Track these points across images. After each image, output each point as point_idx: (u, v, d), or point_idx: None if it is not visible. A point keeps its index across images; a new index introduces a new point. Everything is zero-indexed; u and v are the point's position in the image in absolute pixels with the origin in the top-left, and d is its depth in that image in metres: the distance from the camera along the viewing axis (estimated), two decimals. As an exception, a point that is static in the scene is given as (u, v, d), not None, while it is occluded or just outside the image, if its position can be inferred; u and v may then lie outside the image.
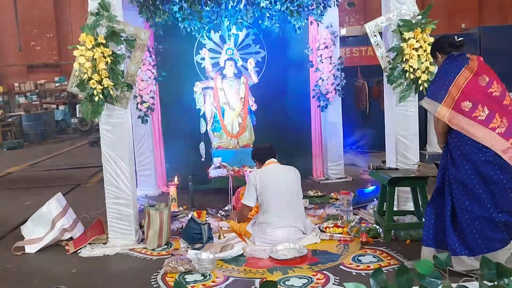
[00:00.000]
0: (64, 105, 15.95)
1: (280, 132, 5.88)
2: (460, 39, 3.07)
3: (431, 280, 1.08)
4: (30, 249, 3.66)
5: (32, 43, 16.12)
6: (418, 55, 4.00)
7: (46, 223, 3.75)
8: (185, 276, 3.05)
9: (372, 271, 2.95)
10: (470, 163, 2.78)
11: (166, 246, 3.68)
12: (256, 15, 5.10)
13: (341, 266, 3.16)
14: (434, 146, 5.68)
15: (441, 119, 2.83)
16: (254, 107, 5.55)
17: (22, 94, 16.16)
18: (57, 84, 15.94)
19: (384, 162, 6.75)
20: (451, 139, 2.88)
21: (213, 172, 5.11)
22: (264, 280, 1.56)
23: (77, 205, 4.95)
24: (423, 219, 3.10)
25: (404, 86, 4.10)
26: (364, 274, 3.02)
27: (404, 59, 4.02)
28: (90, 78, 3.45)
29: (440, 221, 2.93)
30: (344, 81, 5.93)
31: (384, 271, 3.01)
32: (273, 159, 3.80)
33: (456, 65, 2.84)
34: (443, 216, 2.92)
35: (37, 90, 16.09)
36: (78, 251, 3.62)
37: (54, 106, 15.97)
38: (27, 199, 5.58)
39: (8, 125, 12.59)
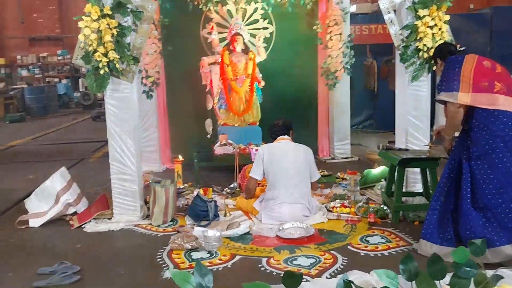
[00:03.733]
0: (66, 79, 15.79)
1: (287, 110, 5.75)
2: (462, 48, 3.21)
3: (467, 270, 1.02)
4: (34, 223, 3.63)
5: (34, 15, 15.85)
6: (433, 34, 3.87)
7: (50, 198, 3.72)
8: (191, 253, 3.03)
9: (380, 252, 2.98)
10: (499, 139, 2.75)
11: (171, 223, 3.65)
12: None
13: (349, 247, 3.13)
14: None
15: (464, 103, 2.81)
16: (261, 84, 5.44)
17: (25, 67, 15.98)
18: (59, 58, 15.74)
19: (391, 142, 6.70)
20: (474, 123, 2.83)
21: (218, 150, 5.05)
22: (287, 271, 1.54)
23: (81, 180, 4.91)
24: (426, 213, 3.01)
25: (417, 65, 3.99)
26: (373, 255, 2.99)
27: (418, 38, 3.90)
28: (95, 51, 3.34)
29: (449, 216, 2.87)
30: (354, 59, 5.80)
31: (392, 252, 3.01)
32: (285, 136, 3.75)
33: (456, 60, 2.91)
34: (455, 210, 2.85)
35: (40, 63, 15.90)
36: (83, 226, 3.59)
37: (56, 79, 15.82)
38: (30, 172, 5.56)
39: (10, 98, 12.49)
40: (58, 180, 3.78)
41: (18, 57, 15.89)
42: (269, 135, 3.86)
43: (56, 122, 11.35)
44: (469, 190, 2.80)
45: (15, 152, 7.45)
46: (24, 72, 15.95)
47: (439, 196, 2.93)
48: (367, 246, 3.13)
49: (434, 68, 3.94)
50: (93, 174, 5.26)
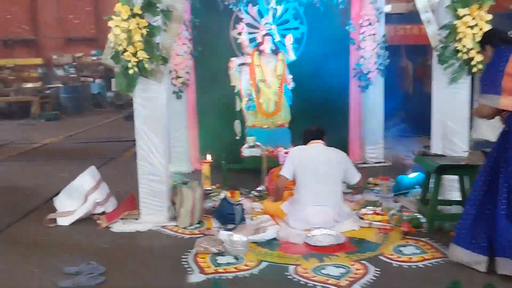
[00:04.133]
0: (100, 78, 16.14)
1: (317, 112, 5.61)
2: None
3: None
4: (63, 221, 3.67)
5: (70, 16, 16.31)
6: (473, 34, 3.67)
7: (79, 196, 3.74)
8: (216, 258, 2.96)
9: (415, 264, 2.83)
10: None
11: (198, 225, 3.61)
12: (297, -12, 4.83)
13: (381, 257, 2.98)
14: (480, 133, 5.34)
15: (507, 108, 2.66)
16: (291, 85, 5.34)
17: (60, 67, 16.47)
18: (94, 58, 16.12)
19: (426, 147, 6.45)
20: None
21: (246, 151, 4.98)
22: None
23: (110, 179, 4.94)
24: (460, 217, 2.87)
25: (456, 67, 3.80)
26: (406, 267, 2.84)
27: (457, 38, 3.70)
28: (125, 50, 3.34)
29: (484, 223, 2.71)
30: (388, 60, 5.60)
31: (428, 264, 2.85)
32: (318, 140, 3.71)
33: (503, 54, 2.72)
34: (491, 218, 2.68)
35: (75, 63, 16.34)
36: (110, 226, 3.60)
37: (90, 79, 16.21)
38: (62, 170, 5.65)
39: (46, 97, 12.87)
40: (87, 179, 3.81)
41: (55, 57, 16.39)
42: (302, 140, 3.81)
43: (89, 121, 11.60)
44: (505, 195, 2.64)
45: (49, 150, 7.63)
46: (59, 72, 16.42)
47: (474, 200, 2.78)
48: (400, 257, 2.97)
49: (474, 70, 3.74)
50: (123, 173, 5.28)
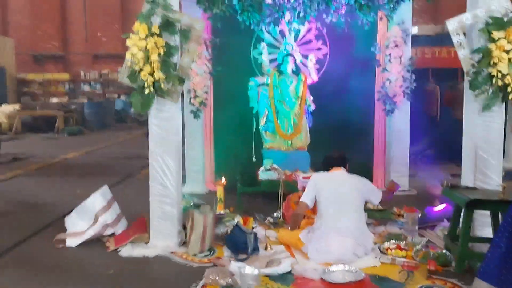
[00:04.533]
0: (125, 95, 16.38)
1: (339, 136, 5.42)
2: None
3: None
4: (71, 242, 3.56)
5: (98, 33, 16.71)
6: (509, 59, 3.44)
7: (89, 217, 3.64)
8: (225, 291, 2.77)
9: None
10: None
11: (208, 253, 3.43)
12: (321, 8, 4.69)
13: (404, 299, 2.73)
14: (512, 162, 5.03)
15: None
16: (312, 107, 5.17)
17: (87, 82, 16.82)
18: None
19: (453, 175, 6.14)
20: None
21: (263, 175, 4.80)
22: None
23: (124, 198, 4.85)
24: (487, 250, 2.64)
25: (489, 94, 3.55)
26: (432, 312, 2.57)
27: (491, 63, 3.47)
28: (141, 69, 3.25)
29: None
30: (414, 84, 5.38)
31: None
32: (340, 168, 3.55)
33: None
34: None
35: (101, 79, 16.66)
36: (118, 249, 3.46)
37: (115, 95, 16.46)
38: (78, 187, 5.59)
39: (70, 111, 13.08)
40: (98, 199, 3.71)
41: (82, 73, 16.78)
42: (323, 166, 3.64)
43: (111, 136, 11.69)
44: None
45: (68, 165, 7.64)
46: (86, 87, 16.79)
47: (504, 231, 2.53)
48: (426, 300, 2.72)
49: (510, 97, 3.49)
50: (138, 193, 5.15)
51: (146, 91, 3.23)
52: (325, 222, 3.30)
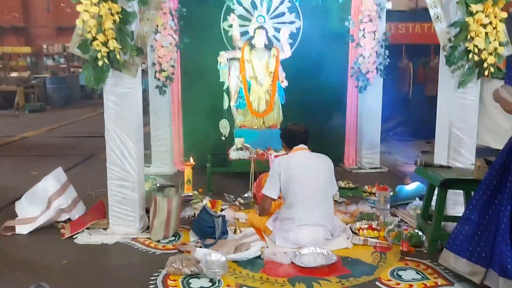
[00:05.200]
0: (91, 69, 15.65)
1: (311, 113, 5.27)
2: None
3: None
4: (22, 229, 3.27)
5: (62, 4, 15.80)
6: (486, 33, 3.32)
7: (42, 202, 3.35)
8: (190, 281, 2.59)
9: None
10: None
11: (173, 238, 3.23)
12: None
13: (377, 283, 2.62)
14: (482, 139, 5.02)
15: None
16: (284, 84, 4.95)
17: (50, 56, 15.98)
18: (84, 48, 15.63)
19: (424, 152, 6.12)
20: None
21: (234, 154, 4.59)
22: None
23: (84, 180, 4.58)
24: (457, 222, 2.66)
25: (465, 69, 3.44)
26: (406, 296, 2.47)
27: (468, 37, 3.34)
28: (94, 39, 2.93)
29: (484, 232, 2.46)
30: (388, 60, 5.24)
31: (430, 294, 2.49)
32: (303, 146, 3.23)
33: None
34: (490, 227, 2.43)
35: (65, 53, 15.84)
36: (74, 236, 3.20)
37: (81, 70, 15.72)
38: (35, 168, 5.23)
39: (31, 87, 12.37)
40: (51, 182, 3.41)
41: (44, 46, 15.89)
42: (285, 143, 3.31)
43: (75, 113, 11.15)
44: (508, 208, 2.37)
45: (26, 145, 7.20)
46: (49, 62, 15.93)
47: (476, 204, 2.52)
48: (399, 284, 2.61)
49: (486, 73, 3.38)
50: (100, 173, 4.86)
51: (100, 63, 2.92)
52: (294, 214, 3.04)
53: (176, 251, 3.00)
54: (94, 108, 12.31)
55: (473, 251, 2.48)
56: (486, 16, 3.28)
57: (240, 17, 5.04)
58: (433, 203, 3.23)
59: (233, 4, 5.07)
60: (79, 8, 2.92)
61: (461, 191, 3.35)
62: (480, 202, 2.52)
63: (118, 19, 2.93)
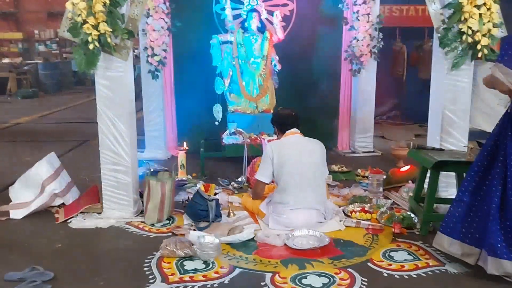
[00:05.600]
0: (83, 55, 15.45)
1: (305, 97, 5.27)
2: None
3: None
4: (16, 214, 3.27)
5: (53, -12, 15.52)
6: (480, 15, 3.30)
7: (35, 187, 3.35)
8: (184, 263, 2.61)
9: (407, 273, 2.51)
10: None
11: (167, 222, 3.24)
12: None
13: (369, 264, 2.65)
14: (475, 122, 5.04)
15: None
16: (277, 67, 4.93)
17: (42, 42, 15.75)
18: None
19: (417, 136, 6.15)
20: None
21: (227, 139, 4.59)
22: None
23: (78, 165, 4.58)
24: (450, 205, 2.67)
25: (458, 51, 3.44)
26: (398, 277, 2.51)
27: (462, 18, 3.33)
28: (84, 22, 2.89)
29: (476, 213, 2.49)
30: (382, 43, 5.21)
31: (421, 274, 2.53)
32: (295, 130, 3.23)
33: None
34: (482, 208, 2.46)
35: (57, 39, 15.60)
36: (68, 221, 3.21)
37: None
38: (28, 154, 5.21)
39: (24, 73, 12.23)
40: (44, 167, 3.40)
41: (36, 31, 15.64)
42: (277, 128, 3.31)
43: (68, 99, 11.05)
44: (499, 188, 2.40)
45: (19, 131, 7.15)
46: (41, 48, 15.70)
47: (468, 185, 2.53)
48: (391, 264, 2.65)
49: (479, 55, 3.38)
50: (93, 159, 4.85)
51: (91, 46, 2.88)
52: (287, 198, 3.05)
53: (170, 234, 3.02)
54: (87, 94, 12.22)
55: (466, 233, 2.50)
56: (480, -3, 3.27)
57: (233, -1, 4.98)
58: (426, 185, 3.27)
59: (226, -14, 5.00)
60: (68, -10, 2.87)
61: (454, 173, 3.38)
62: (472, 184, 2.54)
63: (108, 2, 2.88)
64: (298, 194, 3.06)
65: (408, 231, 3.10)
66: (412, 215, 3.23)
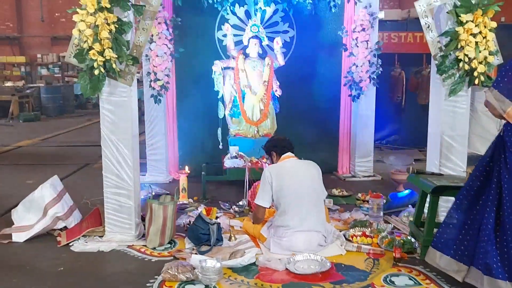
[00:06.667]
0: (85, 79, 15.61)
1: (305, 122, 5.35)
2: None
3: None
4: (18, 237, 3.27)
5: (56, 14, 15.85)
6: (476, 43, 3.39)
7: (38, 210, 3.36)
8: (185, 287, 2.61)
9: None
10: None
11: (169, 245, 3.24)
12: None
13: (370, 288, 2.65)
14: (474, 147, 5.09)
15: (509, 119, 2.46)
16: (278, 93, 5.01)
17: (44, 66, 15.97)
18: (79, 58, 15.62)
19: (417, 160, 6.19)
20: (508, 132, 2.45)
21: (228, 162, 4.63)
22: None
23: (80, 188, 4.60)
24: (442, 221, 2.75)
25: (456, 78, 3.51)
26: (399, 302, 2.50)
27: (459, 46, 3.41)
28: (90, 48, 2.97)
29: (468, 231, 2.53)
30: (381, 69, 5.32)
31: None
32: (290, 153, 3.31)
33: None
34: (474, 227, 2.50)
35: (60, 63, 15.84)
36: (70, 244, 3.21)
37: (75, 79, 15.70)
38: (30, 177, 5.24)
39: (26, 97, 12.36)
40: (47, 190, 3.42)
41: (39, 55, 15.88)
42: (276, 152, 3.36)
43: (70, 122, 11.13)
44: (494, 209, 2.43)
45: (20, 154, 7.17)
46: (44, 71, 15.92)
47: (460, 203, 2.59)
48: (392, 289, 2.65)
49: (476, 81, 3.46)
50: (95, 182, 4.88)
51: (96, 72, 2.96)
52: (288, 221, 3.07)
53: (171, 258, 3.02)
54: (89, 118, 12.33)
55: (457, 250, 2.55)
56: (476, 25, 3.36)
57: (234, 26, 5.11)
58: (426, 210, 3.28)
59: (227, 13, 5.14)
60: (75, 18, 2.96)
61: (453, 198, 3.40)
62: (464, 202, 2.59)
63: (114, 29, 2.97)
64: (298, 216, 3.08)
65: (408, 255, 3.10)
66: (413, 240, 3.23)
